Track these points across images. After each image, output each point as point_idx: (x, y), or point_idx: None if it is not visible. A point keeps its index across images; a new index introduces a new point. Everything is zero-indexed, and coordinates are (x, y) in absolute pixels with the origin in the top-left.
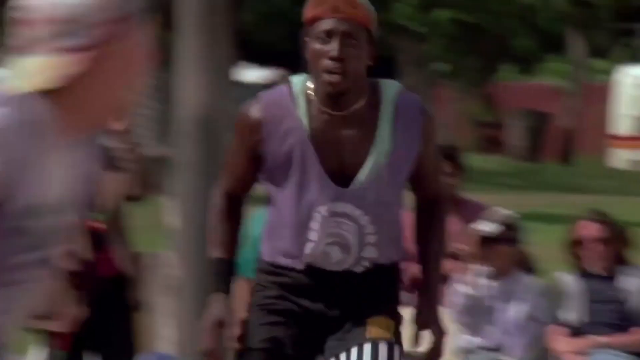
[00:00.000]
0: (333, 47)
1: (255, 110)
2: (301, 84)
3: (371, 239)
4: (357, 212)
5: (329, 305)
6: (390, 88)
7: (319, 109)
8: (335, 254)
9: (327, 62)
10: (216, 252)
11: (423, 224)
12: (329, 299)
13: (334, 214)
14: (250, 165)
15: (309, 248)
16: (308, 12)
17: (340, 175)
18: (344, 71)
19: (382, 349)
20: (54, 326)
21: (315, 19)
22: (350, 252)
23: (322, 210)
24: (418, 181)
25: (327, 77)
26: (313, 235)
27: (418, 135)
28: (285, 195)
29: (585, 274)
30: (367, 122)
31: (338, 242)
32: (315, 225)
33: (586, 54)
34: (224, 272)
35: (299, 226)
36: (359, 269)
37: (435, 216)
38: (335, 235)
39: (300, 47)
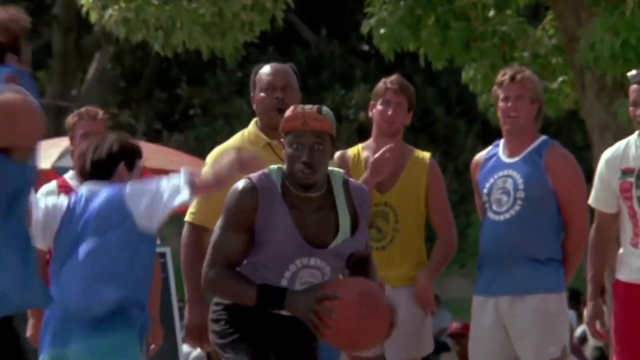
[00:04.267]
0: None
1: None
2: (279, 172)
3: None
4: (322, 264)
5: None
6: (336, 176)
7: (295, 193)
8: None
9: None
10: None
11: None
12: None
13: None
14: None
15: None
16: (282, 125)
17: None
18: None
19: None
20: None
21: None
22: None
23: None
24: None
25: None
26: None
27: (365, 215)
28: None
29: None
30: (327, 204)
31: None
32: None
33: None
34: None
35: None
36: None
37: (370, 267)
38: (307, 283)
39: None
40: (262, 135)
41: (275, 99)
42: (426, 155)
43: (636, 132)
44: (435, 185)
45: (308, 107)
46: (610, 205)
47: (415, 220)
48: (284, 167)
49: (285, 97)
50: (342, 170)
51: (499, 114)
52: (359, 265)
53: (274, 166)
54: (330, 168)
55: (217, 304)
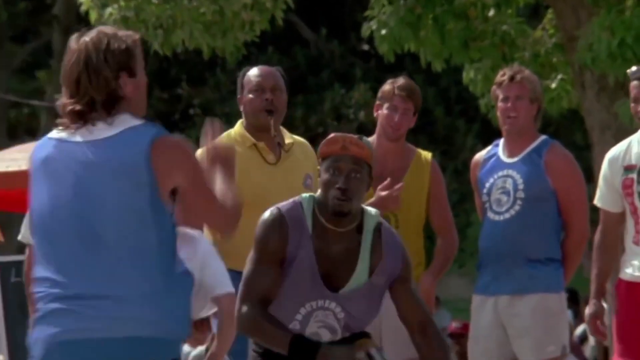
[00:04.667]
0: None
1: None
2: (311, 201)
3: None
4: (337, 308)
5: None
6: (371, 218)
7: (324, 225)
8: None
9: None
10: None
11: (424, 346)
12: None
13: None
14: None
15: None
16: (321, 149)
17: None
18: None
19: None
20: None
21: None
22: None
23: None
24: (405, 308)
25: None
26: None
27: (387, 272)
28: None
29: None
30: (353, 244)
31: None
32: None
33: None
34: None
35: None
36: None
37: (431, 336)
38: (321, 322)
39: None
40: (249, 135)
41: (265, 100)
42: (428, 155)
43: (639, 131)
44: (437, 187)
45: (348, 134)
46: (615, 204)
47: (415, 222)
48: (317, 194)
49: (274, 99)
50: (377, 212)
51: (499, 114)
52: (420, 334)
53: (306, 195)
54: (366, 208)
55: None
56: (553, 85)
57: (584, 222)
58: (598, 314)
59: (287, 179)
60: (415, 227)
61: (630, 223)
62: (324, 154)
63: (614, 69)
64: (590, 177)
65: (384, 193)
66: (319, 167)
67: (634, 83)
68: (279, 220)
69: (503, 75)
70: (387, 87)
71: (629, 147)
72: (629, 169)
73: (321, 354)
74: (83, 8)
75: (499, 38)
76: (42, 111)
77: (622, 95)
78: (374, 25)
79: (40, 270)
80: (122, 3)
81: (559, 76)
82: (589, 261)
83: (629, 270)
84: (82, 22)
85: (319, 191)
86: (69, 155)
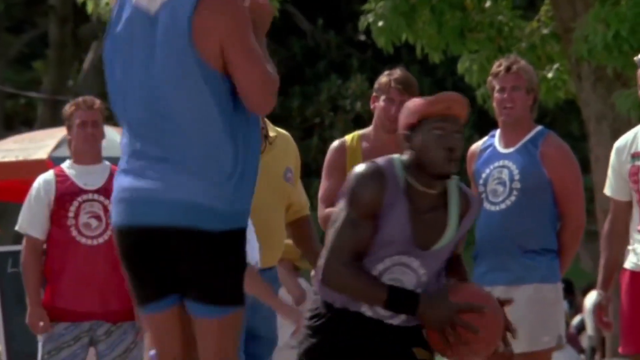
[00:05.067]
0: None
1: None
2: (400, 163)
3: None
4: (414, 263)
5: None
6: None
7: (416, 187)
8: None
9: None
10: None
11: (455, 270)
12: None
13: (400, 264)
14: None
15: None
16: (422, 110)
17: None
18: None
19: None
20: None
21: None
22: None
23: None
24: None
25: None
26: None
27: (470, 220)
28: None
29: None
30: (440, 204)
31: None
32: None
33: None
34: None
35: None
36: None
37: (461, 264)
38: (396, 281)
39: None
40: None
41: None
42: None
43: None
44: None
45: (451, 93)
46: (623, 193)
47: None
48: (403, 157)
49: None
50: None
51: (495, 105)
52: (451, 264)
53: (396, 155)
54: None
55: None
56: (549, 75)
57: (580, 213)
58: (603, 305)
59: (268, 171)
60: None
61: (635, 212)
62: (425, 115)
63: (610, 61)
64: (587, 167)
65: None
66: (405, 132)
67: None
68: (377, 172)
69: (499, 66)
70: (383, 79)
71: (635, 135)
72: (635, 156)
73: (422, 308)
74: None
75: (495, 30)
76: (38, 102)
77: (619, 86)
78: (370, 17)
79: (122, 135)
80: None
81: (555, 66)
82: (585, 252)
83: (632, 259)
84: (78, 12)
85: (406, 154)
86: (133, 23)
